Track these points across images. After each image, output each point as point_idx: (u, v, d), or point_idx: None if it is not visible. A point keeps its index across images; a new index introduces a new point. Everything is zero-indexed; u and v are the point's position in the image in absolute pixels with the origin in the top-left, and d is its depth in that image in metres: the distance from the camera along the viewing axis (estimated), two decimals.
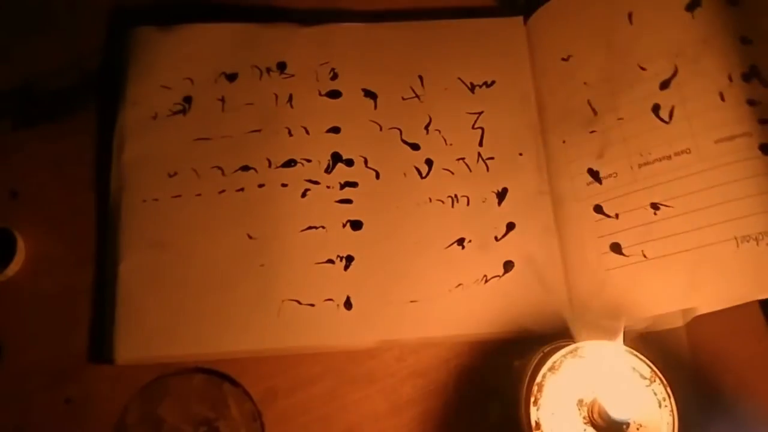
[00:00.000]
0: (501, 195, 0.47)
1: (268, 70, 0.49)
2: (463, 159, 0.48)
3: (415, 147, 0.48)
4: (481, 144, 0.48)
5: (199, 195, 0.46)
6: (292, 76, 0.49)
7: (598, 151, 0.45)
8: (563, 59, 0.49)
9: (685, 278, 0.41)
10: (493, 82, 0.50)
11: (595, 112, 0.46)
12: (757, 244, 0.40)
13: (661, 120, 0.44)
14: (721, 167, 0.42)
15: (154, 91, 0.48)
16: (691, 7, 0.45)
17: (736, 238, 0.40)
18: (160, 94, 0.48)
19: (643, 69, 0.45)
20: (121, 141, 0.47)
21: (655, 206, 0.43)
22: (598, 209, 0.45)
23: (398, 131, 0.48)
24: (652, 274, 0.42)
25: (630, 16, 0.47)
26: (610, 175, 0.45)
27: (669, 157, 0.43)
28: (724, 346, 0.44)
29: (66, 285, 0.44)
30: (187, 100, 0.48)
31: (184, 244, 0.45)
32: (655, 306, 0.42)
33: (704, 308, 0.41)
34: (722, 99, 0.43)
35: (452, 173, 0.47)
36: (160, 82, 0.48)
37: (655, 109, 0.44)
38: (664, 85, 0.45)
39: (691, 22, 0.45)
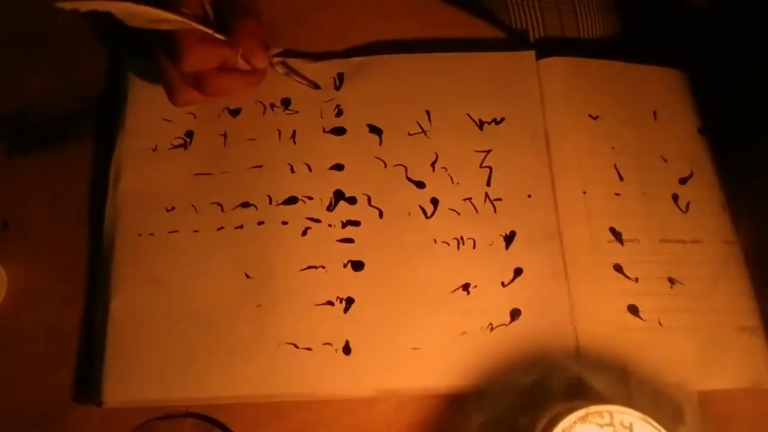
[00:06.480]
0: (509, 238, 0.45)
1: (272, 105, 0.48)
2: (469, 199, 0.46)
3: (420, 185, 0.46)
4: (488, 184, 0.47)
5: (197, 231, 0.45)
6: (297, 112, 0.48)
7: (622, 214, 0.46)
8: (591, 117, 0.49)
9: (694, 355, 0.43)
10: (502, 119, 0.49)
11: (621, 178, 0.48)
12: (751, 336, 0.44)
13: (680, 209, 0.47)
14: (726, 263, 0.46)
15: (156, 124, 0.47)
16: (701, 132, 0.50)
17: (736, 327, 0.44)
18: (162, 127, 0.47)
19: (665, 161, 0.49)
20: (118, 171, 0.46)
21: (671, 280, 0.45)
22: (618, 268, 0.45)
23: (403, 168, 0.47)
24: (665, 343, 0.43)
25: (655, 114, 0.50)
26: (632, 240, 0.46)
27: (684, 242, 0.46)
28: (733, 403, 0.43)
29: (54, 321, 0.43)
30: (189, 134, 0.48)
31: (178, 281, 0.43)
32: (666, 375, 0.42)
33: (708, 386, 0.42)
34: (723, 210, 0.48)
35: (458, 214, 0.46)
36: (162, 114, 0.48)
37: (675, 197, 0.48)
38: (683, 181, 0.48)
39: (702, 142, 0.50)
